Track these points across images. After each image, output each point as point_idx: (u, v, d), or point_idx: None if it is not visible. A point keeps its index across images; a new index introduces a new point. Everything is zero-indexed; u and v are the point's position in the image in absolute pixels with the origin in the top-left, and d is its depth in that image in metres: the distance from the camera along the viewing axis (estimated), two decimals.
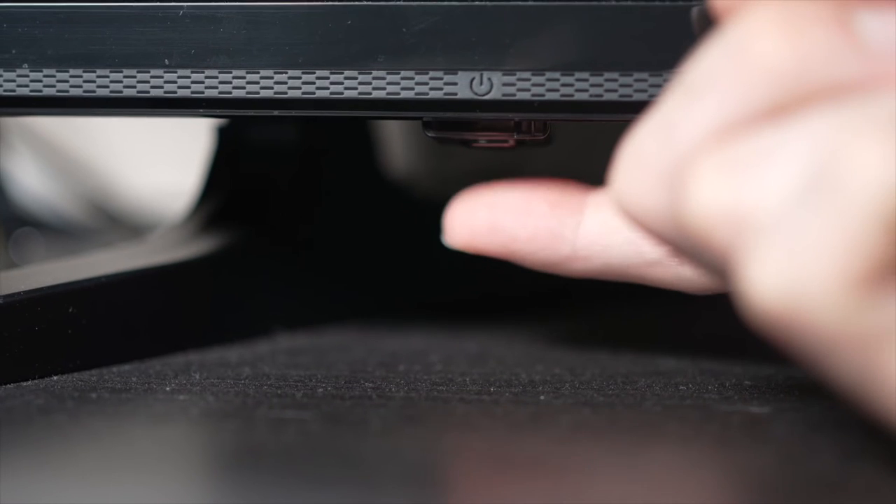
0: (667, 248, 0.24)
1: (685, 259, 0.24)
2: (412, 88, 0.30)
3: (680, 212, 0.22)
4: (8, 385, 0.31)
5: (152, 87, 0.31)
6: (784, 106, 0.22)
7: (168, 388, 0.31)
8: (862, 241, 0.20)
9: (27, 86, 0.31)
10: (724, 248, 0.22)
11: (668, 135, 0.23)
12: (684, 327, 0.42)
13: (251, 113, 0.31)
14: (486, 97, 0.30)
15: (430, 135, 0.32)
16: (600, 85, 0.29)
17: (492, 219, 0.31)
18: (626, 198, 0.23)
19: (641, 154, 0.23)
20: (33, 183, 0.70)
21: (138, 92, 0.31)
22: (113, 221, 0.68)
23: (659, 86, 0.29)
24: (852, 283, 0.20)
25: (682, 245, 0.23)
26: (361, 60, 0.30)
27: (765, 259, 0.21)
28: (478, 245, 0.31)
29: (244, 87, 0.30)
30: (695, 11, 0.28)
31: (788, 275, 0.20)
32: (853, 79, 0.21)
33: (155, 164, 0.72)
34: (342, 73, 0.30)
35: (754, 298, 0.21)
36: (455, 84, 0.30)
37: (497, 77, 0.29)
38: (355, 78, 0.30)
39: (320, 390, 0.31)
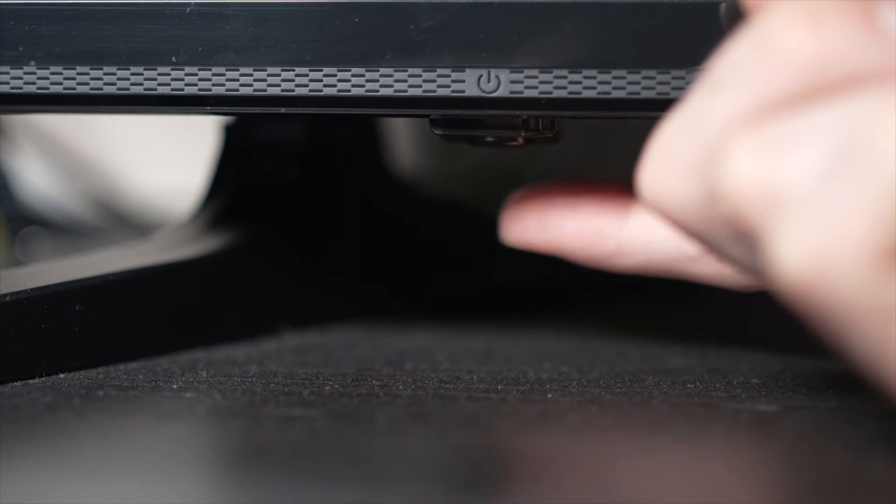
0: (694, 241, 0.24)
1: (712, 251, 0.24)
2: (419, 86, 0.30)
3: (713, 192, 0.23)
4: (15, 383, 0.31)
5: (159, 84, 0.31)
6: (808, 96, 0.22)
7: (175, 386, 0.31)
8: (886, 216, 0.20)
9: (34, 83, 0.31)
10: (756, 225, 0.22)
11: (694, 127, 0.23)
12: (692, 325, 0.42)
13: (258, 111, 0.31)
14: (494, 95, 0.29)
15: (437, 132, 0.32)
16: (608, 82, 0.29)
17: (541, 216, 0.32)
18: (655, 192, 0.24)
19: (669, 149, 0.24)
20: (40, 182, 0.70)
21: (145, 89, 0.31)
22: (120, 220, 0.69)
23: (667, 83, 0.29)
24: (876, 258, 0.21)
25: (710, 236, 0.24)
26: (369, 58, 0.30)
27: (793, 233, 0.21)
28: (528, 241, 0.33)
29: (251, 85, 0.30)
30: (723, 7, 0.28)
31: (815, 248, 0.21)
32: (875, 70, 0.22)
33: (162, 163, 0.73)
34: (349, 71, 0.30)
35: (782, 272, 0.21)
36: (462, 82, 0.30)
37: (504, 74, 0.29)
38: (363, 75, 0.30)
39: (327, 388, 0.31)
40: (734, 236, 0.23)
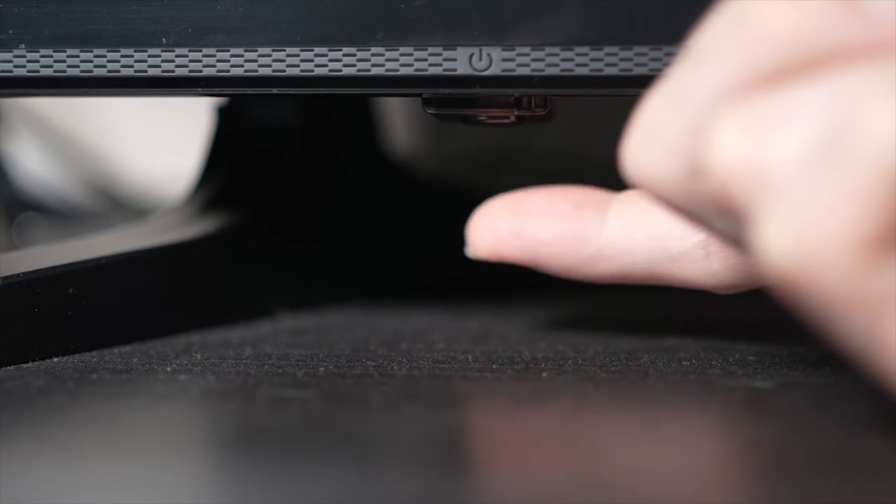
0: (680, 216, 0.24)
1: (698, 225, 0.24)
2: (411, 65, 0.30)
3: (698, 167, 0.22)
4: (8, 367, 0.31)
5: (150, 66, 0.31)
6: (790, 71, 0.22)
7: (169, 369, 0.31)
8: (872, 204, 0.20)
9: (24, 66, 0.31)
10: (742, 204, 0.22)
11: (676, 102, 0.23)
12: (688, 303, 0.42)
13: (250, 91, 0.31)
14: (486, 73, 0.29)
15: (430, 112, 0.32)
16: (600, 59, 0.29)
17: (516, 224, 0.31)
18: (639, 167, 0.24)
19: (652, 124, 0.24)
20: (36, 167, 0.70)
21: (136, 71, 0.31)
22: (117, 205, 0.68)
23: (659, 59, 0.28)
24: (861, 246, 0.20)
25: (695, 211, 0.24)
26: (360, 37, 0.30)
27: (779, 217, 0.21)
28: (502, 253, 0.32)
29: (242, 66, 0.30)
30: None
31: (801, 234, 0.21)
32: (856, 46, 0.22)
33: (159, 147, 0.72)
34: (341, 51, 0.30)
35: (768, 255, 0.21)
36: (454, 60, 0.29)
37: (496, 52, 0.29)
38: (354, 55, 0.30)
39: (322, 369, 0.31)
40: (719, 211, 0.23)
